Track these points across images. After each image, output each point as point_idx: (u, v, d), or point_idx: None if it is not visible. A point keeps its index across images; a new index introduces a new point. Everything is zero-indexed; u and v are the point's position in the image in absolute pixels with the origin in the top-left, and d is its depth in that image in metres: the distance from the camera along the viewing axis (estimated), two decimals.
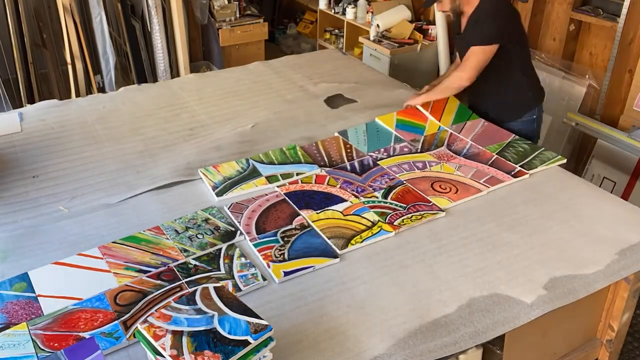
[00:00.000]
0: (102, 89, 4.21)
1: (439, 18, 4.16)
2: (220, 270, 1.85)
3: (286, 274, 1.84)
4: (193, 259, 1.90)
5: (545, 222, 2.10)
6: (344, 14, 4.92)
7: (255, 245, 1.96)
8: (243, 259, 1.90)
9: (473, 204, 2.21)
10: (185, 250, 1.93)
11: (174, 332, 1.37)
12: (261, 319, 1.41)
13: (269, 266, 1.87)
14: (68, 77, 3.94)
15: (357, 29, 4.79)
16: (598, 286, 1.85)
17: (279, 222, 2.08)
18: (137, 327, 1.43)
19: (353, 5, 4.82)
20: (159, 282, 1.80)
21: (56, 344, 1.57)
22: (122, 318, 1.66)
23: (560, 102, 3.45)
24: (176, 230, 2.03)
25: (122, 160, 2.52)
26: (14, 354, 1.54)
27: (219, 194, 2.23)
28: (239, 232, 2.02)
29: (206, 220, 2.08)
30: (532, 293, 1.78)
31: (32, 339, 1.59)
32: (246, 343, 1.34)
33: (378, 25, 4.35)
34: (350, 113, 2.92)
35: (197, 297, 1.47)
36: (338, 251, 1.94)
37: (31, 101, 4.02)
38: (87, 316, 1.67)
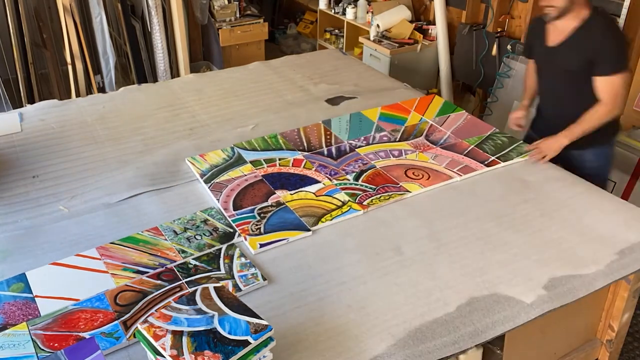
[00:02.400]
0: (102, 89, 4.21)
1: (439, 18, 4.16)
2: (220, 270, 1.86)
3: (262, 245, 1.96)
4: (193, 259, 1.91)
5: (545, 222, 2.10)
6: (344, 14, 4.92)
7: (234, 221, 2.08)
8: (243, 259, 1.90)
9: (473, 203, 2.21)
10: (183, 251, 1.94)
11: (174, 332, 1.37)
12: (261, 319, 1.41)
13: (245, 239, 1.97)
14: (68, 77, 3.94)
15: (357, 29, 4.79)
16: (598, 286, 1.85)
17: (255, 200, 2.20)
18: (137, 327, 1.43)
19: (353, 5, 4.81)
20: (159, 282, 1.81)
21: (56, 344, 1.58)
22: (122, 318, 1.67)
23: None
24: (175, 231, 2.04)
25: (122, 160, 2.52)
26: (14, 354, 1.55)
27: (207, 181, 2.31)
28: (237, 234, 2.03)
29: (205, 222, 2.10)
30: (531, 293, 1.78)
31: (32, 339, 1.59)
32: (246, 343, 1.35)
33: (378, 25, 4.35)
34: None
35: (198, 297, 1.47)
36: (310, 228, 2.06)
37: (31, 101, 4.02)
38: (87, 316, 1.68)
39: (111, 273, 1.84)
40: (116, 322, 1.65)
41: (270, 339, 1.40)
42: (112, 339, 1.60)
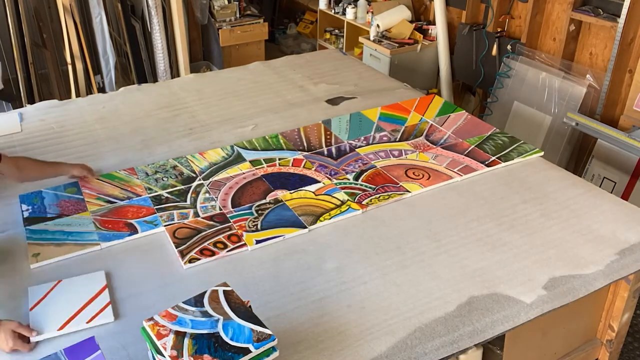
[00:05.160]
0: (102, 89, 4.21)
1: (439, 18, 4.16)
2: (186, 202, 2.21)
3: (258, 242, 1.99)
4: (167, 192, 2.26)
5: (545, 222, 2.10)
6: (344, 14, 4.91)
7: (232, 217, 2.12)
8: (207, 195, 2.24)
9: (473, 203, 2.21)
10: (150, 189, 2.28)
11: (177, 333, 1.37)
12: (266, 328, 1.40)
13: (242, 235, 1.99)
14: (68, 77, 3.93)
15: (357, 29, 4.79)
16: (598, 286, 1.85)
17: (253, 197, 2.23)
18: (142, 323, 1.43)
19: (353, 5, 4.81)
20: (211, 222, 2.08)
21: (110, 225, 2.06)
22: (180, 248, 1.95)
23: (560, 102, 3.45)
24: (147, 173, 2.39)
25: (122, 161, 2.52)
26: (80, 230, 2.04)
27: (205, 179, 2.36)
28: (198, 178, 2.35)
29: (174, 167, 2.43)
30: (531, 293, 1.78)
31: (92, 221, 2.08)
32: (247, 351, 1.34)
33: (378, 25, 4.35)
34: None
35: (205, 300, 1.47)
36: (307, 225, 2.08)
37: (31, 101, 4.02)
38: (134, 210, 2.15)
39: (87, 200, 2.20)
40: (156, 214, 2.11)
41: (273, 349, 1.38)
42: (152, 225, 2.06)
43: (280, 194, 2.25)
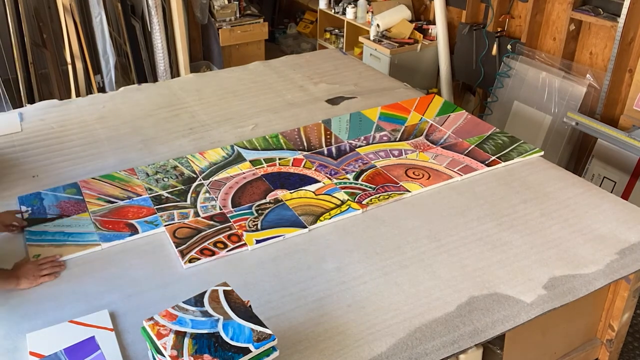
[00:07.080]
0: (102, 89, 4.21)
1: (439, 18, 4.16)
2: (186, 202, 2.21)
3: (258, 241, 2.00)
4: (167, 192, 2.26)
5: (545, 222, 2.10)
6: (344, 13, 4.91)
7: (232, 217, 2.12)
8: (207, 194, 2.23)
9: (473, 203, 2.21)
10: (150, 189, 2.28)
11: (177, 333, 1.37)
12: (266, 327, 1.40)
13: (242, 235, 1.99)
14: (68, 77, 3.93)
15: (357, 29, 4.79)
16: (598, 285, 1.85)
17: (253, 197, 2.23)
18: (142, 323, 1.43)
19: (353, 5, 4.81)
20: (211, 222, 2.08)
21: (110, 226, 2.07)
22: (180, 248, 1.95)
23: (560, 101, 3.45)
24: (147, 173, 2.39)
25: (122, 161, 2.52)
26: (80, 231, 2.04)
27: (205, 178, 2.36)
28: (198, 178, 2.34)
29: (174, 167, 2.43)
30: (531, 292, 1.78)
31: (93, 222, 2.09)
32: (247, 351, 1.34)
33: (378, 25, 4.34)
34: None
35: (206, 299, 1.47)
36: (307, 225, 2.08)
37: (31, 101, 4.02)
38: (134, 210, 2.16)
39: (87, 201, 2.20)
40: (156, 214, 2.11)
41: (273, 348, 1.38)
42: (152, 225, 2.06)
43: (280, 193, 2.25)
